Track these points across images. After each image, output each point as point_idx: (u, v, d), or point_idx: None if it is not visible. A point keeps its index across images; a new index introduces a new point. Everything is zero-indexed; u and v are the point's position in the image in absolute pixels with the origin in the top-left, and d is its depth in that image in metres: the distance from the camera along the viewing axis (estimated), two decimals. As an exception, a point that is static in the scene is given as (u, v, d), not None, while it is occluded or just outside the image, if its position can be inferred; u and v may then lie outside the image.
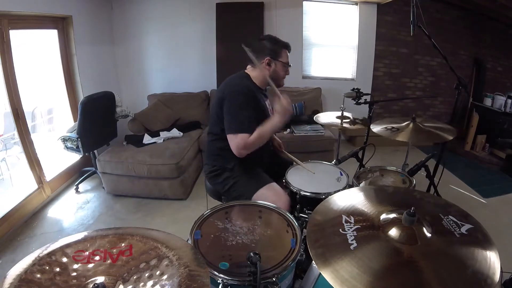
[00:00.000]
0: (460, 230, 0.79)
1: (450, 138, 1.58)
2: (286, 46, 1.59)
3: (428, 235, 0.76)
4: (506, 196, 2.90)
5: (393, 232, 0.77)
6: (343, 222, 0.82)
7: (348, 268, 0.68)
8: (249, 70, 1.61)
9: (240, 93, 1.46)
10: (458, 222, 0.82)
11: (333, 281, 0.65)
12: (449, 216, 0.84)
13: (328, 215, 0.87)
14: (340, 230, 0.80)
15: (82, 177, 3.07)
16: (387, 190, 1.02)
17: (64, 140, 2.76)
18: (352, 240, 0.76)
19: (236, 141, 1.42)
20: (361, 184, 1.59)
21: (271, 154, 1.82)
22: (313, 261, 0.79)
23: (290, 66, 1.63)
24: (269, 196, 1.43)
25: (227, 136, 1.46)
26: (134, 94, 4.00)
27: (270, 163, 1.79)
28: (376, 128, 1.77)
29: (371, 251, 0.73)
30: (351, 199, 0.94)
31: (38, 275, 0.63)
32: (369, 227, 0.80)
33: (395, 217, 0.80)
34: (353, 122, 2.08)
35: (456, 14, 4.02)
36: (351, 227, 0.80)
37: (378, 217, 0.83)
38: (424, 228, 0.77)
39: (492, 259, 0.70)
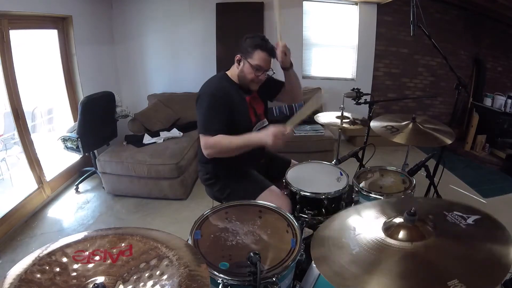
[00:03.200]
0: (466, 222, 0.79)
1: (449, 142, 1.57)
2: (262, 48, 1.42)
3: (433, 230, 0.77)
4: (506, 196, 2.90)
5: (400, 234, 0.77)
6: (346, 230, 0.84)
7: (346, 266, 0.69)
8: (230, 69, 1.57)
9: (207, 95, 1.45)
10: (464, 215, 0.82)
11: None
12: (454, 212, 0.84)
13: (333, 229, 0.88)
14: (343, 239, 0.80)
15: (82, 177, 3.07)
16: (390, 201, 1.02)
17: (64, 140, 2.76)
18: (353, 246, 0.76)
19: (201, 142, 1.43)
20: (361, 184, 1.59)
21: (267, 156, 1.80)
22: (313, 261, 0.79)
23: (265, 71, 1.45)
24: (270, 201, 1.39)
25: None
26: (134, 94, 4.00)
27: (267, 164, 1.77)
28: (375, 126, 1.77)
29: (373, 256, 0.73)
30: (357, 215, 0.95)
31: (38, 275, 0.63)
32: (372, 234, 0.81)
33: (397, 221, 0.80)
34: (352, 122, 2.08)
35: (456, 14, 4.02)
36: (355, 234, 0.81)
37: (380, 226, 0.84)
38: (427, 225, 0.78)
39: (505, 239, 0.70)
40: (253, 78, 1.46)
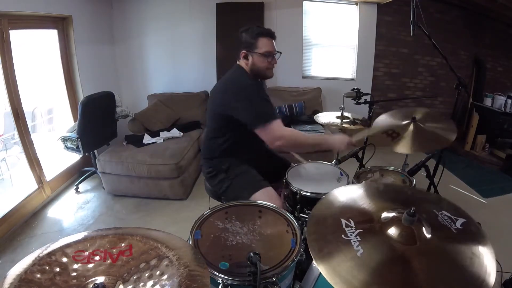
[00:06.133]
0: (455, 225, 0.80)
1: (452, 139, 1.51)
2: (263, 34, 1.44)
3: (428, 235, 0.76)
4: (506, 196, 2.90)
5: (392, 231, 0.76)
6: (344, 226, 0.81)
7: (356, 274, 0.68)
8: (241, 64, 1.53)
9: (252, 85, 1.43)
10: (452, 217, 0.83)
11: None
12: (443, 211, 0.85)
13: (326, 220, 0.86)
14: (343, 236, 0.78)
15: (82, 177, 3.07)
16: (378, 187, 1.01)
17: (64, 140, 2.76)
18: (357, 247, 0.74)
19: (269, 132, 1.36)
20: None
21: (267, 157, 1.81)
22: (314, 261, 0.79)
23: (276, 53, 1.48)
24: (263, 200, 1.38)
25: (256, 132, 1.38)
26: (134, 94, 4.00)
27: (268, 164, 1.77)
28: (375, 129, 1.74)
29: (376, 254, 0.73)
30: (344, 200, 0.93)
31: (38, 275, 0.63)
32: (370, 229, 0.80)
33: (394, 216, 0.80)
34: (352, 122, 2.08)
35: (456, 14, 4.02)
36: (353, 232, 0.79)
37: (378, 217, 0.83)
38: (423, 228, 0.77)
39: (486, 256, 0.71)
40: (267, 65, 1.48)
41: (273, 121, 1.36)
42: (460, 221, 0.81)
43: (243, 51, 1.47)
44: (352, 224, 0.81)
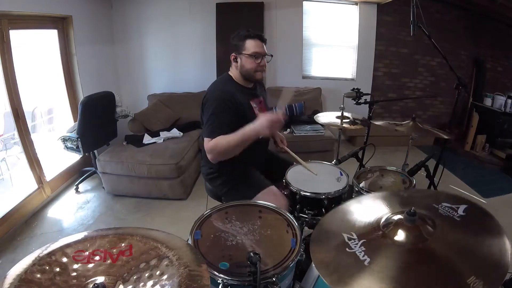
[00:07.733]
0: (458, 213, 0.80)
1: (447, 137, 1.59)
2: (251, 36, 1.46)
3: (433, 230, 0.76)
4: (506, 196, 2.90)
5: (400, 235, 0.76)
6: (346, 240, 0.80)
7: (368, 284, 0.67)
8: (231, 70, 1.59)
9: (216, 98, 1.45)
10: (453, 206, 0.83)
11: None
12: (442, 204, 0.85)
13: (328, 238, 0.86)
14: (347, 249, 0.77)
15: (82, 177, 3.07)
16: (374, 197, 1.01)
17: (64, 140, 2.76)
18: (363, 256, 0.73)
19: (205, 145, 1.42)
20: (361, 184, 1.59)
21: (268, 155, 1.81)
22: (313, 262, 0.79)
23: (266, 56, 1.51)
24: (268, 200, 1.37)
25: None
26: (134, 94, 4.00)
27: (268, 164, 1.77)
28: (378, 122, 1.79)
29: (385, 260, 0.72)
30: (342, 216, 0.93)
31: (38, 275, 0.63)
32: (374, 238, 0.79)
33: (398, 219, 0.80)
34: (352, 122, 2.08)
35: (456, 14, 4.02)
36: (357, 244, 0.78)
37: (378, 224, 0.82)
38: (427, 224, 0.77)
39: (496, 228, 0.71)
40: (255, 66, 1.49)
41: (208, 138, 1.40)
42: (461, 208, 0.81)
43: (233, 54, 1.51)
44: (355, 237, 0.80)
